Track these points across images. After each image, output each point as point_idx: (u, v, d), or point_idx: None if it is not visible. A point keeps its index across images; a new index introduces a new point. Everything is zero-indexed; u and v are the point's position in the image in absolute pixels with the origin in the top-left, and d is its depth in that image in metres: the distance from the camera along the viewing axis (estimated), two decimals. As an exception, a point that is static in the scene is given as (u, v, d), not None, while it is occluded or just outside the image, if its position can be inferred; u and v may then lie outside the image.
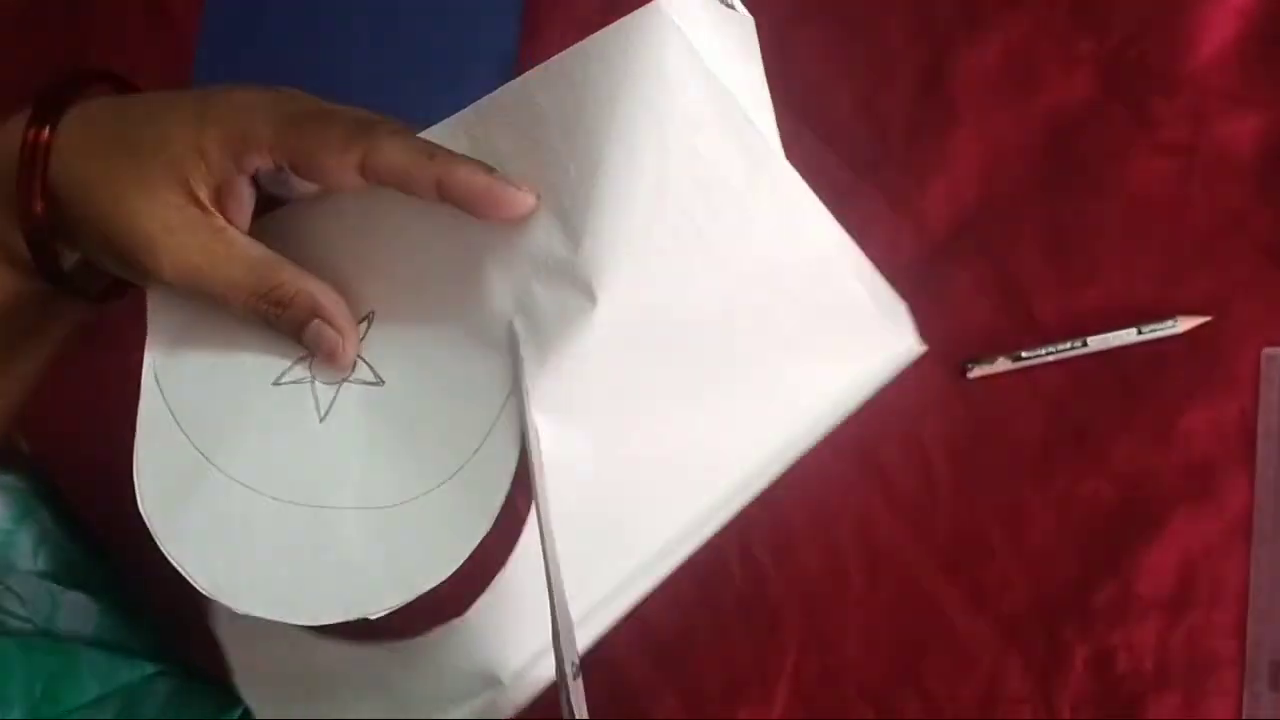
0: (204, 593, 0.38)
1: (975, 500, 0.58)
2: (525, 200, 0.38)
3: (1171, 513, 0.56)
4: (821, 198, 0.61)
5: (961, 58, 0.61)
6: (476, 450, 0.39)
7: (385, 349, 0.41)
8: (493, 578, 0.42)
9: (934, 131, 0.61)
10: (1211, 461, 0.56)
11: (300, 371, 0.41)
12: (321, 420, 0.41)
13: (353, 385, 0.41)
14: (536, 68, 0.39)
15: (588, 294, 0.38)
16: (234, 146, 0.38)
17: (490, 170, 0.38)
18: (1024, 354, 0.58)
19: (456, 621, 0.42)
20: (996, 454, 0.58)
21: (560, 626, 0.36)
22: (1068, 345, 0.57)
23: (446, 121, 0.40)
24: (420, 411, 0.40)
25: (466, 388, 0.40)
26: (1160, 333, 0.57)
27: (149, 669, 0.58)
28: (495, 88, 0.64)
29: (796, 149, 0.62)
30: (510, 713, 0.45)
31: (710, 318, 0.42)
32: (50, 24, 0.67)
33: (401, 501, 0.39)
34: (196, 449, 0.40)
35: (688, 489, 0.47)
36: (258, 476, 0.40)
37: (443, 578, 0.38)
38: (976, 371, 0.58)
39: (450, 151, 0.39)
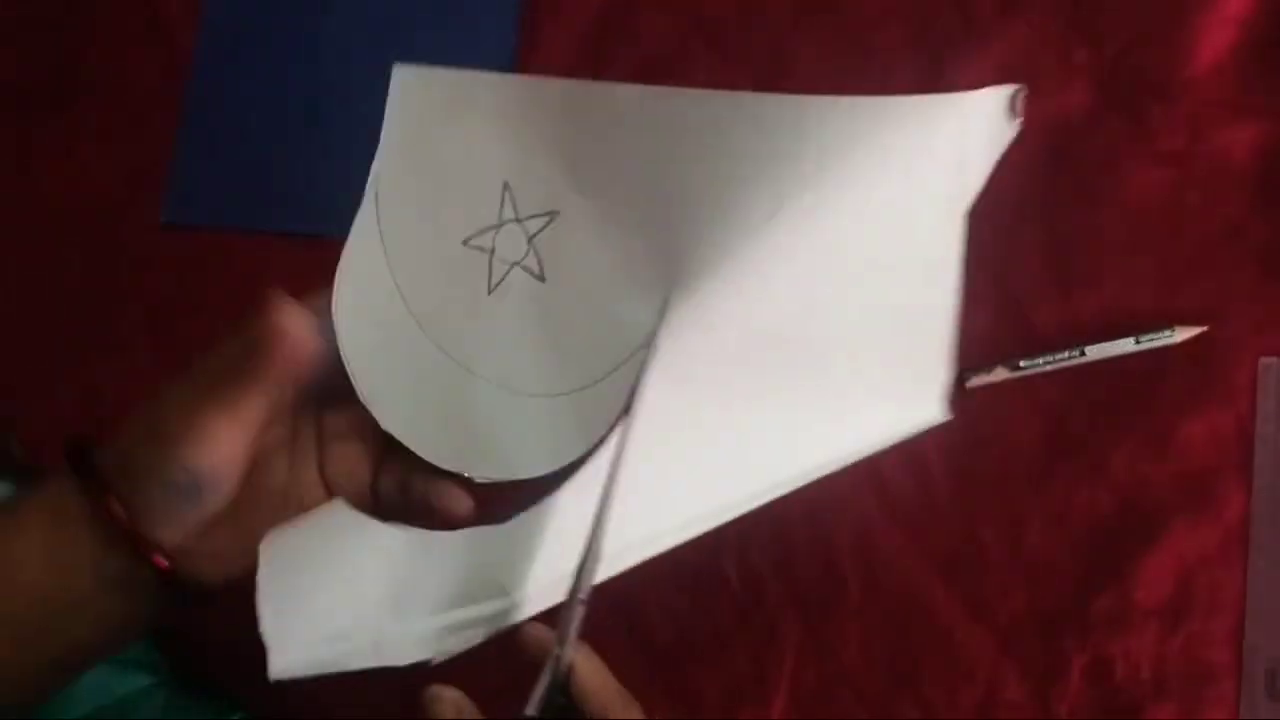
0: (360, 397, 0.42)
1: (973, 509, 0.58)
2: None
3: (1169, 522, 0.56)
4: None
5: (959, 67, 0.61)
6: (599, 380, 0.42)
7: (559, 251, 0.43)
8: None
9: (932, 140, 0.61)
10: (1209, 471, 0.56)
11: (486, 240, 0.44)
12: (489, 292, 0.44)
13: (522, 272, 0.44)
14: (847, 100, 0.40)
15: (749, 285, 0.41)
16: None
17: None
18: (1022, 363, 0.58)
19: (491, 528, 0.43)
20: (995, 463, 0.58)
21: (591, 555, 0.40)
22: (1065, 355, 0.58)
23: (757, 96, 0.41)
24: (567, 321, 0.43)
25: (612, 319, 0.42)
26: (1157, 342, 0.57)
27: (144, 681, 0.57)
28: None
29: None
30: (490, 633, 0.45)
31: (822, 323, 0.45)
32: (48, 30, 0.67)
33: (528, 394, 0.43)
34: (390, 273, 0.43)
35: (723, 478, 0.48)
36: (429, 319, 0.43)
37: (537, 474, 0.42)
38: (975, 381, 0.58)
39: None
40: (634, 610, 0.59)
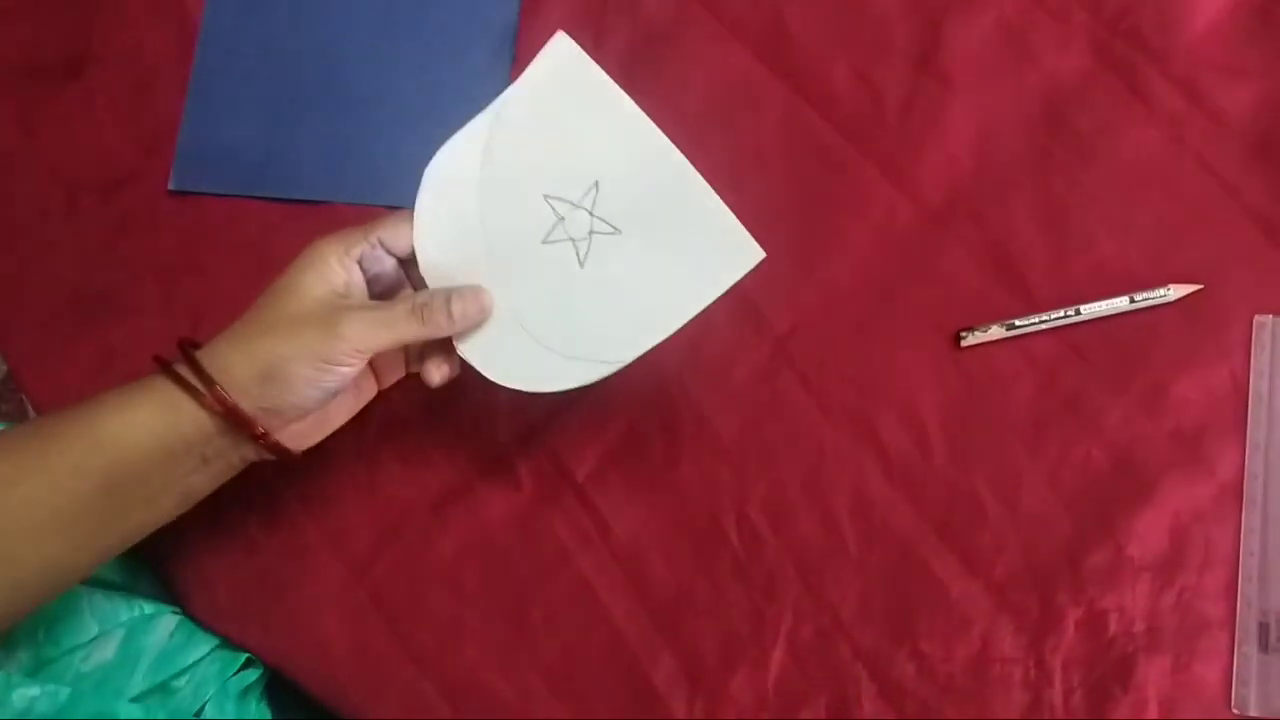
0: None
1: (969, 466, 0.58)
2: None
3: (1163, 477, 0.57)
4: (817, 169, 0.62)
5: (956, 29, 0.62)
6: (581, 358, 0.53)
7: (604, 257, 0.53)
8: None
9: (928, 103, 0.61)
10: (1203, 427, 0.57)
11: (562, 207, 0.53)
12: (543, 242, 0.53)
13: (571, 248, 0.53)
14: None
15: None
16: (344, 245, 0.52)
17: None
18: (1017, 322, 0.58)
19: None
20: (990, 421, 0.59)
21: None
22: (1061, 314, 0.58)
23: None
24: (582, 310, 0.53)
25: (610, 329, 0.53)
26: (1152, 301, 0.58)
27: (149, 609, 0.58)
28: (497, 62, 0.65)
29: (793, 122, 0.63)
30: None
31: None
32: (58, 2, 0.68)
33: (536, 341, 0.53)
34: (479, 183, 0.53)
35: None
36: (495, 247, 0.53)
37: (519, 389, 0.53)
38: (970, 340, 0.59)
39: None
40: (635, 566, 0.60)
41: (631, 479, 0.61)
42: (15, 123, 0.67)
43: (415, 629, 0.60)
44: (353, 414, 0.56)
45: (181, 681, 0.59)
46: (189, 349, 0.51)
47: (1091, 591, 0.56)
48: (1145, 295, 0.58)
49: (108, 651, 0.56)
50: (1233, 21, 0.60)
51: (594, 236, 0.53)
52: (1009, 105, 0.61)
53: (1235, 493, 0.56)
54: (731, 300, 0.61)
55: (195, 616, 0.61)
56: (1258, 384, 0.57)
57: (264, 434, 0.51)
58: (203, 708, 0.59)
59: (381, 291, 0.55)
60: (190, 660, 0.59)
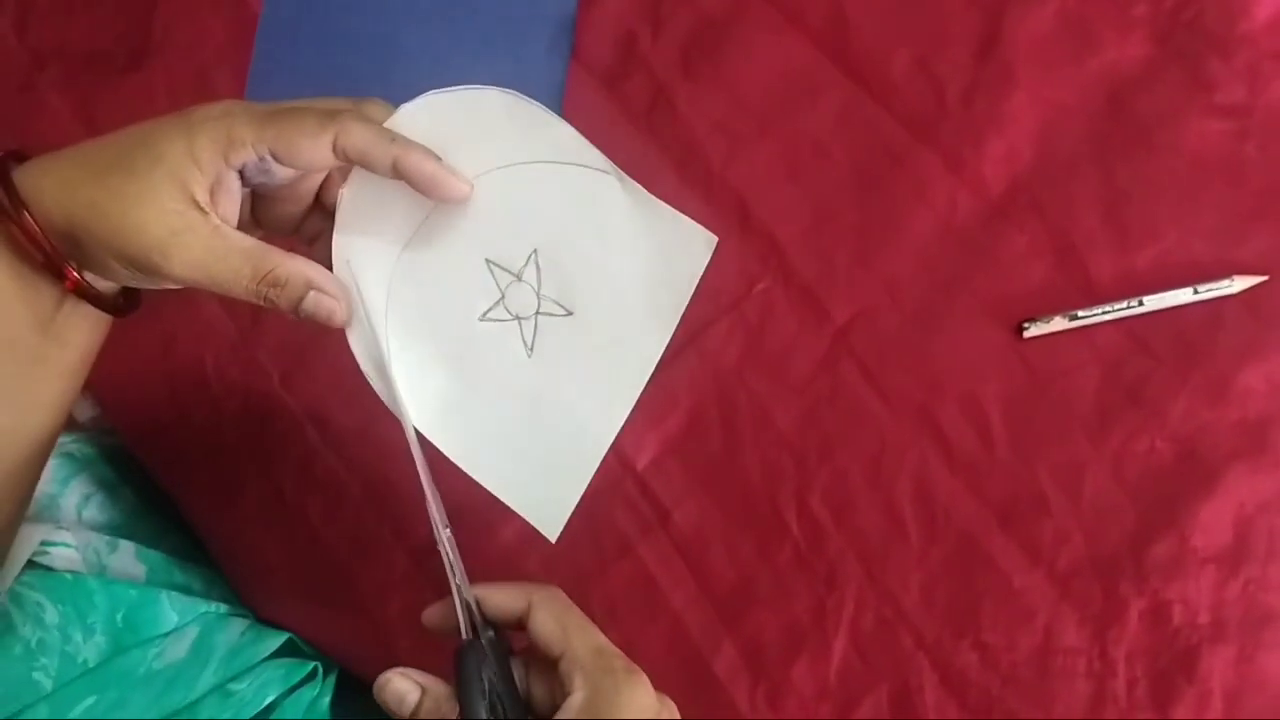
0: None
1: (1032, 457, 0.58)
2: (462, 188, 0.46)
3: (1227, 468, 0.56)
4: (877, 159, 0.62)
5: (1017, 20, 0.62)
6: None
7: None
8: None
9: (990, 94, 0.61)
10: (1267, 418, 0.57)
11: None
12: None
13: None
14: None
15: None
16: (221, 147, 0.43)
17: (437, 159, 0.45)
18: (1080, 313, 0.58)
19: None
20: (1053, 412, 0.59)
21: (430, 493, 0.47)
22: (1124, 305, 0.58)
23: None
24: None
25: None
26: (1216, 292, 0.57)
27: (223, 609, 0.59)
28: (555, 54, 0.66)
29: (853, 112, 0.63)
30: None
31: None
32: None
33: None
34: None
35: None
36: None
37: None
38: (1033, 331, 0.59)
39: (406, 139, 0.45)
40: (696, 555, 0.60)
41: (692, 468, 0.61)
42: (76, 112, 0.68)
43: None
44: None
45: (243, 684, 0.59)
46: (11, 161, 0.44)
47: (1155, 582, 0.56)
48: (1209, 286, 0.58)
49: (181, 648, 0.56)
50: (1295, 11, 0.60)
51: (540, 318, 0.48)
52: (1071, 95, 0.61)
53: (1300, 484, 0.56)
54: (790, 290, 0.62)
55: (256, 608, 0.61)
56: (1323, 375, 0.57)
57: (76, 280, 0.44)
58: (268, 707, 0.59)
59: (267, 206, 0.48)
60: (259, 657, 0.59)
